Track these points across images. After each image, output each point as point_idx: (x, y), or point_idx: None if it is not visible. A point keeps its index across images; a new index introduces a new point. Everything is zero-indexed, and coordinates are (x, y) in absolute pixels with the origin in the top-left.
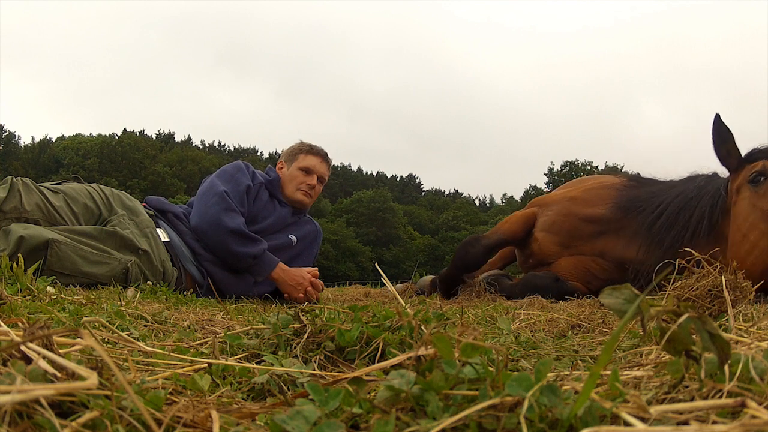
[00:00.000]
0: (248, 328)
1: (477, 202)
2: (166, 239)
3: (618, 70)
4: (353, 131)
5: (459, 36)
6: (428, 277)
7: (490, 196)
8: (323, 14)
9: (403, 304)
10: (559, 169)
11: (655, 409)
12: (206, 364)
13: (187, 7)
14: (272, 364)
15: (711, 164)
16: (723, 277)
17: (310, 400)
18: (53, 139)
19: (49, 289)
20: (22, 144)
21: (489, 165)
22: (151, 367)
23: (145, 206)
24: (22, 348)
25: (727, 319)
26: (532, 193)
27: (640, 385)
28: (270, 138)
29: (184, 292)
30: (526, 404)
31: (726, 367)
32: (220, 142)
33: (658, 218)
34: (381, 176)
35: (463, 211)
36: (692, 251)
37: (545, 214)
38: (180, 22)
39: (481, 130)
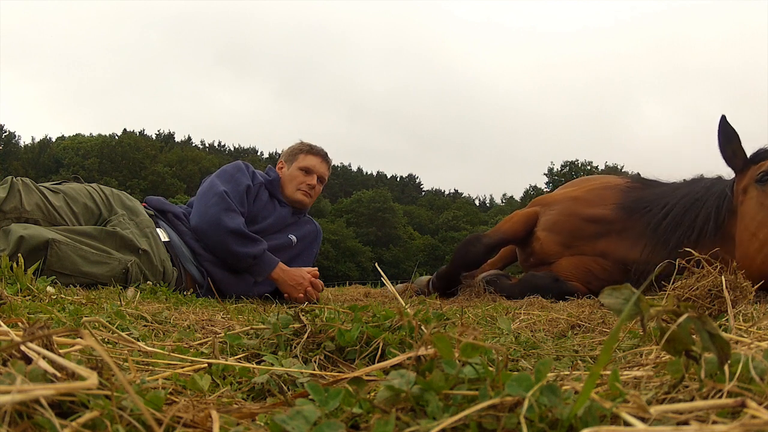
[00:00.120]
0: (248, 328)
1: (477, 202)
2: (166, 239)
3: (618, 70)
4: (353, 131)
5: (459, 36)
6: (425, 277)
7: (490, 196)
8: (323, 14)
9: (403, 304)
10: (559, 169)
11: (655, 409)
12: (206, 364)
13: (187, 7)
14: (272, 364)
15: (711, 164)
16: (723, 277)
17: (310, 400)
18: (53, 139)
19: (49, 289)
20: (22, 144)
21: (489, 165)
22: (151, 367)
23: (145, 206)
24: (22, 348)
25: (727, 319)
26: (532, 193)
27: (640, 385)
28: (270, 138)
29: (184, 292)
30: (526, 404)
31: (726, 367)
32: (220, 142)
33: (663, 219)
34: (381, 176)
35: (463, 211)
36: (692, 251)
37: (547, 213)
38: (180, 22)
39: (481, 130)
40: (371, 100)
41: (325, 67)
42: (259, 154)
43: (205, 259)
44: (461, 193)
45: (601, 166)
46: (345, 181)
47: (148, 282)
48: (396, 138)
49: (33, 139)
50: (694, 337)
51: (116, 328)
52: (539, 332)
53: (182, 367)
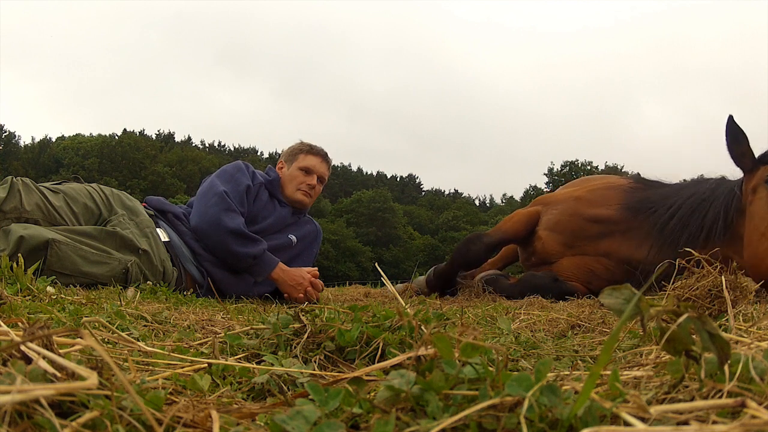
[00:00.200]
0: (248, 328)
1: (477, 202)
2: (166, 239)
3: (618, 70)
4: (353, 131)
5: (459, 36)
6: (423, 278)
7: (490, 196)
8: (323, 14)
9: (403, 304)
10: (559, 169)
11: (655, 409)
12: (206, 364)
13: (187, 7)
14: (272, 364)
15: (711, 164)
16: (723, 277)
17: (310, 400)
18: (53, 139)
19: (49, 289)
20: (22, 144)
21: (489, 165)
22: (151, 367)
23: (145, 206)
24: (22, 348)
25: (727, 319)
26: (532, 193)
27: (640, 385)
28: (270, 138)
29: (184, 292)
30: (526, 404)
31: (726, 367)
32: (220, 142)
33: (670, 219)
34: (381, 176)
35: (463, 211)
36: (692, 251)
37: (549, 212)
38: (180, 22)
39: (481, 130)
40: (371, 100)
41: (325, 67)
42: (259, 154)
43: (205, 259)
44: (461, 193)
45: (601, 166)
46: (345, 181)
47: (148, 282)
48: (396, 138)
49: (33, 139)
50: (694, 337)
51: (116, 328)
52: (539, 332)
53: (182, 367)
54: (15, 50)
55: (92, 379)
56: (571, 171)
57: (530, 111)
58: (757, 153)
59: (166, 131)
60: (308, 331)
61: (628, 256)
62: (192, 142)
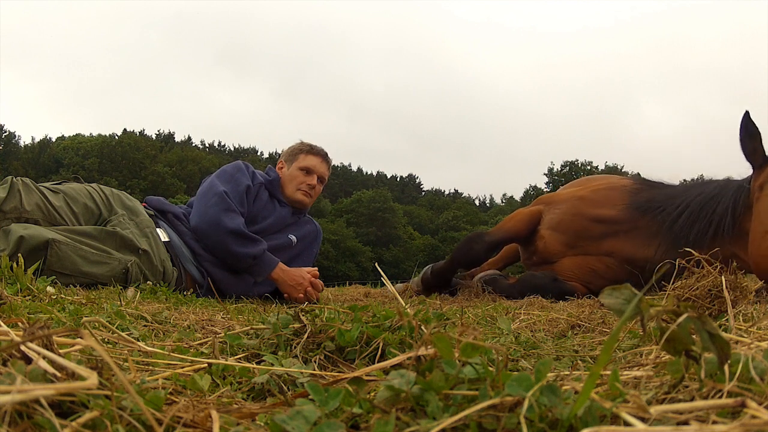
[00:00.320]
0: (248, 328)
1: (477, 202)
2: (166, 239)
3: (618, 70)
4: (353, 131)
5: (459, 36)
6: (417, 277)
7: (490, 196)
8: (323, 14)
9: (403, 304)
10: (559, 169)
11: (655, 409)
12: (206, 364)
13: (187, 7)
14: (272, 364)
15: (711, 164)
16: (723, 277)
17: (310, 400)
18: (53, 139)
19: (49, 289)
20: (22, 144)
21: (489, 165)
22: (151, 367)
23: (145, 206)
24: (22, 348)
25: (727, 319)
26: (532, 193)
27: (640, 385)
28: (270, 138)
29: (184, 292)
30: (526, 404)
31: (726, 367)
32: (220, 142)
33: (679, 216)
34: (381, 176)
35: (463, 211)
36: (692, 251)
37: (552, 212)
38: (180, 22)
39: (481, 130)
40: (371, 100)
41: (325, 67)
42: (259, 154)
43: (205, 259)
44: (461, 193)
45: (601, 166)
46: (345, 181)
47: (148, 282)
48: (396, 138)
49: (33, 139)
50: (694, 337)
51: (116, 328)
52: (539, 332)
53: (182, 367)
54: (15, 50)
55: (92, 379)
56: (571, 171)
57: (530, 111)
58: None
59: (166, 131)
60: (308, 331)
61: (633, 256)
62: (192, 142)
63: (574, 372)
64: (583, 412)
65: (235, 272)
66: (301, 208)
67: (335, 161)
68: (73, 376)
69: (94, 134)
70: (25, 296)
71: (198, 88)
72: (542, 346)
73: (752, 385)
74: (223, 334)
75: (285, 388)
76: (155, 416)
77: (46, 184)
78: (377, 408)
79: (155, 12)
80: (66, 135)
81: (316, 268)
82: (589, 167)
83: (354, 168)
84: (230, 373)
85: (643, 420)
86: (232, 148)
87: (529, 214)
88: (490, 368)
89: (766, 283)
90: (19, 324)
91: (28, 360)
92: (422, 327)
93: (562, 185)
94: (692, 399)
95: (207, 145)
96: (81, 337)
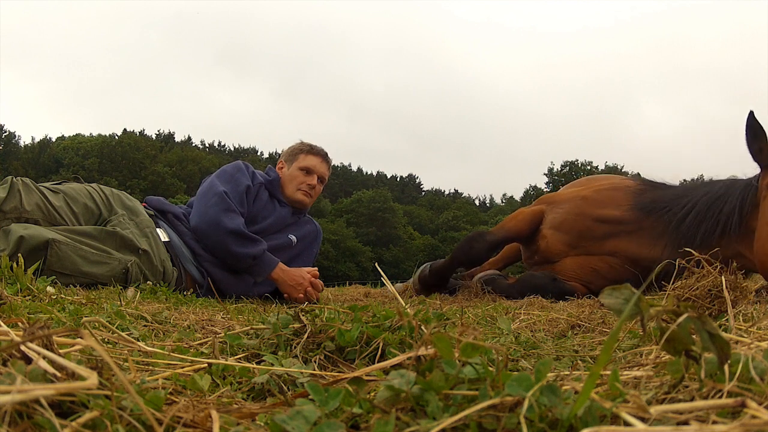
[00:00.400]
0: (248, 328)
1: (477, 202)
2: (166, 239)
3: (618, 70)
4: (353, 131)
5: (459, 36)
6: (415, 276)
7: (490, 196)
8: (323, 14)
9: (403, 304)
10: (559, 169)
11: (655, 409)
12: (206, 364)
13: (187, 7)
14: (272, 364)
15: (711, 164)
16: (723, 277)
17: (310, 400)
18: (53, 139)
19: (49, 289)
20: (22, 144)
21: (489, 165)
22: (151, 367)
23: (145, 206)
24: (22, 348)
25: (727, 319)
26: (532, 193)
27: (640, 385)
28: (270, 138)
29: (184, 292)
30: (526, 404)
31: (726, 367)
32: (220, 142)
33: (686, 216)
34: (381, 176)
35: (463, 211)
36: (692, 251)
37: (554, 212)
38: (180, 22)
39: (481, 130)
40: (371, 100)
41: (325, 67)
42: (259, 154)
43: (205, 259)
44: (461, 193)
45: (601, 166)
46: (345, 181)
47: (148, 282)
48: (396, 138)
49: (33, 139)
50: (694, 337)
51: (116, 328)
52: (539, 332)
53: (182, 367)
54: (15, 50)
55: (92, 379)
56: (571, 171)
57: (530, 111)
58: None
59: (166, 131)
60: (308, 331)
61: (639, 256)
62: (192, 142)
63: (574, 372)
64: (583, 412)
65: (235, 272)
66: (301, 208)
67: (335, 161)
68: (73, 376)
69: (94, 134)
70: (25, 296)
71: (198, 88)
72: (542, 346)
73: (752, 385)
74: (223, 334)
75: (285, 388)
76: (155, 416)
77: (46, 184)
78: (377, 408)
79: (155, 12)
80: (66, 135)
81: (316, 268)
82: (589, 167)
83: (354, 168)
84: (230, 373)
85: (643, 420)
86: (232, 148)
87: (531, 214)
88: (490, 368)
89: None
90: (19, 324)
91: (28, 360)
92: (422, 327)
93: (563, 185)
94: (692, 399)
95: (207, 145)
96: (81, 337)
